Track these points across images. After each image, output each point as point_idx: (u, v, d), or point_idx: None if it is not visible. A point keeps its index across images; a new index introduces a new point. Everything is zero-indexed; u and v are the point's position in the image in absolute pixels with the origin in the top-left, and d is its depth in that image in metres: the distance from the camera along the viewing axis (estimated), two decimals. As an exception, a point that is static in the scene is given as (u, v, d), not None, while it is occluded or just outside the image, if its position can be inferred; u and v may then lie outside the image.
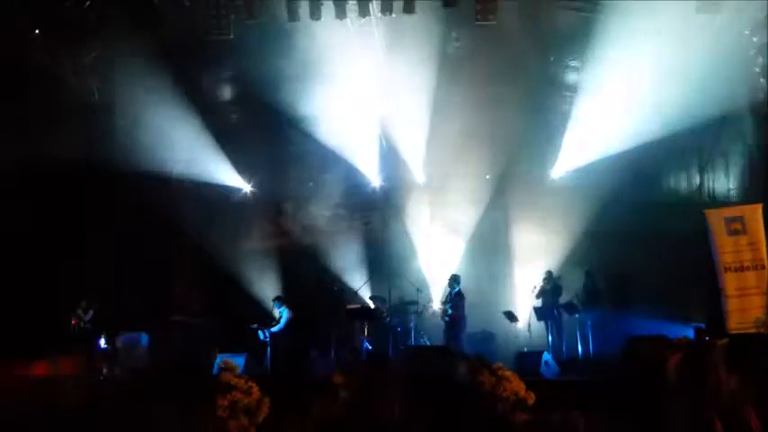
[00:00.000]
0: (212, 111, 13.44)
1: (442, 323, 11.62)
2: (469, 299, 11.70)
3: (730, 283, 9.37)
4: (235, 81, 13.36)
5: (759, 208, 9.42)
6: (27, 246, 10.70)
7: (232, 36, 10.92)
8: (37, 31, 10.57)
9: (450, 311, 11.36)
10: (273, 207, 14.58)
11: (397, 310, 11.92)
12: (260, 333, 11.54)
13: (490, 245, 12.96)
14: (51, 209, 11.16)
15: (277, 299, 12.02)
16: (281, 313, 11.73)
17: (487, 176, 12.98)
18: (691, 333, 9.05)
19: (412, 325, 11.76)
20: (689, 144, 11.25)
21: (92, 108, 11.64)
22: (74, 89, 11.35)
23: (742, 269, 9.34)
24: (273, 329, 11.55)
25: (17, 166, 9.93)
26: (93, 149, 11.30)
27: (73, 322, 11.37)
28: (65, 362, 9.20)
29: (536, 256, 12.43)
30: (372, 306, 11.91)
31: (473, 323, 11.59)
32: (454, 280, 11.64)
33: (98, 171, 11.38)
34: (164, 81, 11.38)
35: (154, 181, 12.31)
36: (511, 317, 11.91)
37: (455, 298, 11.39)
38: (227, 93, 13.71)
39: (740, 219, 9.49)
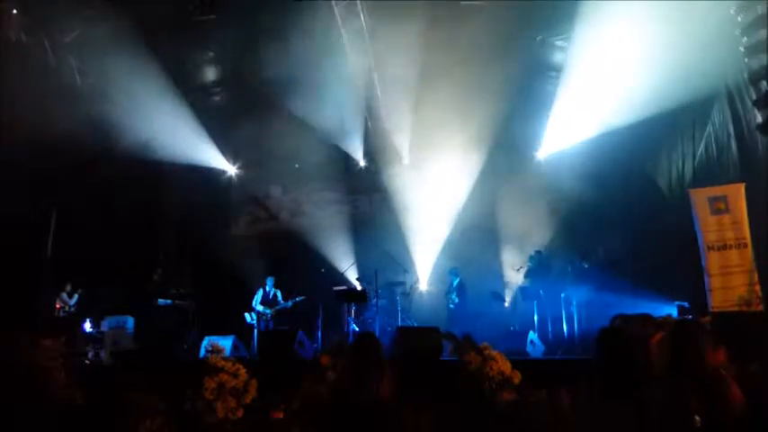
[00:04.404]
0: (197, 92, 13.31)
1: (447, 309, 11.97)
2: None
3: (713, 261, 9.43)
4: (219, 62, 13.20)
5: (742, 187, 9.47)
6: (10, 228, 10.54)
7: (215, 16, 10.78)
8: (15, 11, 10.32)
9: (456, 300, 11.77)
10: (259, 189, 14.52)
11: (383, 290, 11.93)
12: (246, 316, 11.53)
13: (476, 225, 13.00)
14: (33, 190, 10.97)
15: (270, 276, 12.00)
16: (276, 293, 11.73)
17: (473, 157, 12.97)
18: (674, 311, 9.17)
19: (399, 306, 11.80)
20: (675, 124, 11.29)
21: (73, 89, 11.42)
22: (54, 70, 11.13)
23: (725, 248, 9.39)
24: (279, 307, 11.58)
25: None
26: (75, 131, 11.11)
27: (57, 306, 11.31)
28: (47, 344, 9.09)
29: (522, 236, 12.50)
30: (359, 287, 11.93)
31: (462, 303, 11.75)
32: (453, 271, 12.07)
33: (82, 153, 11.20)
34: (147, 62, 11.20)
35: (139, 163, 12.17)
36: (497, 296, 12.04)
37: (459, 290, 11.82)
38: (211, 74, 13.56)
39: (723, 198, 9.52)
